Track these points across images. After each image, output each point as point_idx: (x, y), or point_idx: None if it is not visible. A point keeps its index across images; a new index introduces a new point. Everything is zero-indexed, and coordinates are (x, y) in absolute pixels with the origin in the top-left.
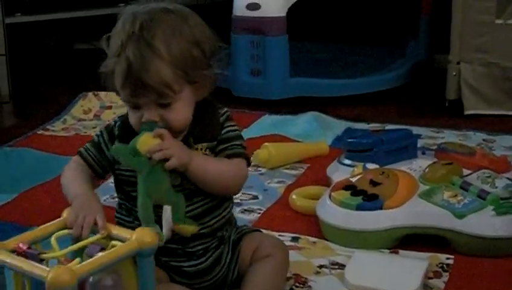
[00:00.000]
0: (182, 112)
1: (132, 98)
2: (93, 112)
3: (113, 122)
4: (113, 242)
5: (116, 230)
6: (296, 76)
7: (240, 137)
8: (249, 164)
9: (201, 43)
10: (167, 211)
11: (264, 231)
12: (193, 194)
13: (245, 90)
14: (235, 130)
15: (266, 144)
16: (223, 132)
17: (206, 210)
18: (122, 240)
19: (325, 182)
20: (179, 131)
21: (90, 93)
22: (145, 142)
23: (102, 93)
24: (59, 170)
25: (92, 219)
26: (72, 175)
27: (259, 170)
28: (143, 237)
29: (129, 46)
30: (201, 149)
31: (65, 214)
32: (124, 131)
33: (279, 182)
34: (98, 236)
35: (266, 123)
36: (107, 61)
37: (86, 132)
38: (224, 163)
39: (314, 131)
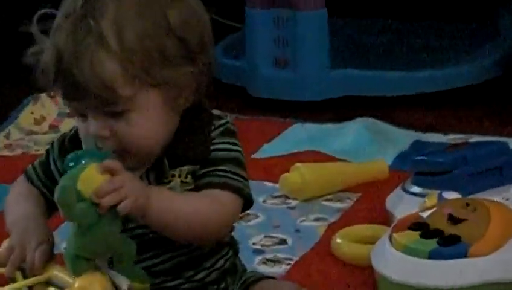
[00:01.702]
0: (141, 125)
1: (68, 101)
2: (49, 121)
3: (70, 131)
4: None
5: (61, 272)
6: (340, 68)
7: (234, 160)
8: (247, 203)
9: (181, 30)
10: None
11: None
12: (166, 240)
13: (266, 89)
14: (229, 150)
15: (298, 164)
16: (212, 149)
17: (188, 261)
18: (61, 288)
19: (384, 218)
20: (142, 154)
21: (43, 95)
22: (90, 179)
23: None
24: (1, 203)
25: (31, 252)
26: (15, 198)
27: (288, 202)
28: (90, 285)
29: (62, 28)
30: (179, 176)
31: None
32: (75, 143)
33: (317, 219)
34: (33, 279)
35: (298, 135)
36: (34, 47)
37: (38, 150)
38: (198, 200)
39: (367, 146)
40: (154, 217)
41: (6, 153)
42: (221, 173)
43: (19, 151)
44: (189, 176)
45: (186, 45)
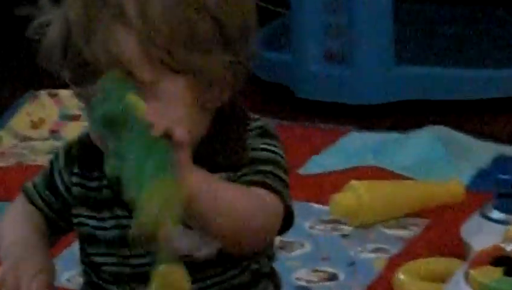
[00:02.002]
0: (167, 116)
1: (76, 86)
2: (49, 124)
3: (76, 138)
4: None
5: None
6: (407, 64)
7: (275, 163)
8: (287, 220)
9: (217, 9)
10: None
11: None
12: (207, 264)
13: (315, 89)
14: (269, 150)
15: (353, 182)
16: (251, 149)
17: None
18: None
19: (458, 250)
20: None
21: (42, 93)
22: (139, 104)
23: (63, 93)
24: None
25: (26, 284)
26: (10, 221)
27: (341, 229)
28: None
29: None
30: None
31: None
32: (85, 150)
33: (375, 250)
34: None
35: (353, 146)
36: (40, 18)
37: (35, 159)
38: (246, 191)
39: (439, 161)
40: (199, 195)
41: None
42: (261, 173)
43: (12, 161)
44: None
45: (223, 28)
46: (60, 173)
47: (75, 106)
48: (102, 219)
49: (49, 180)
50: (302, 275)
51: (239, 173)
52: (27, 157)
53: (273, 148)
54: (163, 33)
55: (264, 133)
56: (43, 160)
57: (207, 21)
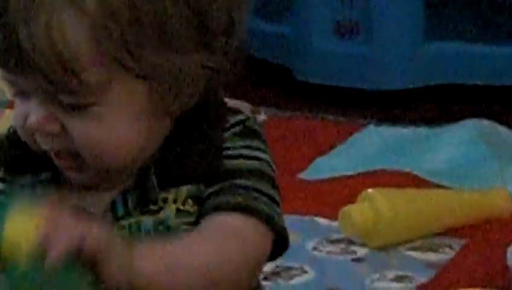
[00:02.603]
0: (109, 126)
1: (7, 73)
2: None
3: (2, 134)
4: None
5: None
6: (440, 40)
7: (256, 173)
8: (280, 242)
9: (196, 3)
10: None
11: None
12: None
13: (323, 70)
14: (248, 156)
15: (369, 191)
16: (224, 156)
17: None
18: None
19: (502, 279)
20: (106, 166)
21: None
22: (20, 231)
23: None
24: None
25: None
26: None
27: (353, 251)
28: None
29: None
30: (174, 201)
31: None
32: (12, 145)
33: (397, 278)
34: None
35: (369, 144)
36: None
37: None
38: (206, 242)
39: (479, 164)
40: (145, 281)
41: None
42: (236, 191)
43: None
44: (189, 201)
45: (202, 23)
46: None
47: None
48: None
49: None
50: None
51: (211, 190)
52: None
53: (255, 153)
54: (124, 25)
55: (243, 131)
56: None
57: (183, 14)
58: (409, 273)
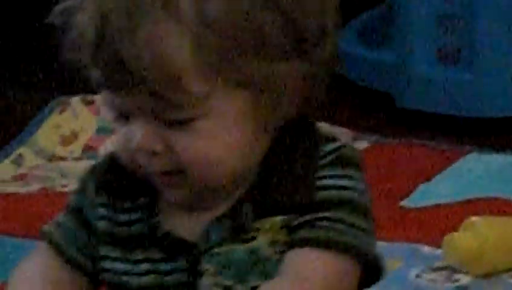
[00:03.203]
0: (214, 138)
1: (110, 93)
2: (83, 139)
3: (104, 158)
4: None
5: None
6: None
7: (348, 204)
8: (373, 272)
9: (292, 7)
10: None
11: None
12: None
13: (424, 97)
14: (341, 187)
15: (473, 219)
16: (318, 186)
17: None
18: None
19: None
20: (209, 182)
21: (75, 100)
22: None
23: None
24: (9, 270)
25: None
26: (23, 275)
27: (457, 279)
28: None
29: None
30: (267, 230)
31: None
32: (115, 174)
33: None
34: None
35: (474, 172)
36: (64, 2)
37: (65, 184)
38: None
39: None
40: None
41: (15, 188)
42: (323, 224)
43: (35, 187)
44: (283, 231)
45: (298, 31)
46: (91, 205)
47: None
48: (135, 262)
49: (78, 214)
50: None
51: (298, 221)
52: (55, 181)
53: (347, 183)
54: (223, 34)
55: (338, 159)
56: (75, 185)
57: (279, 22)
58: None
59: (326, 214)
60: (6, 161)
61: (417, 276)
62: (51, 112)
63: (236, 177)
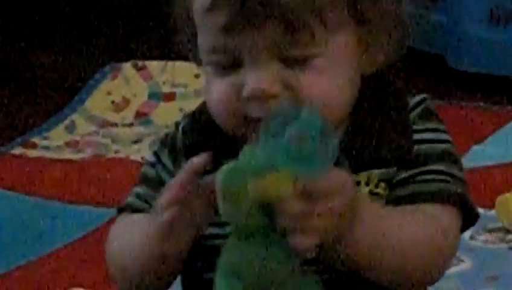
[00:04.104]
0: (333, 76)
1: (229, 34)
2: (135, 106)
3: (173, 129)
4: None
5: None
6: None
7: (446, 155)
8: (472, 219)
9: None
10: None
11: None
12: (343, 285)
13: (477, 59)
14: (436, 140)
15: None
16: (414, 140)
17: None
18: None
19: None
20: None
21: (127, 65)
22: (278, 185)
23: (154, 65)
24: (63, 236)
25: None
26: (125, 228)
27: (510, 239)
28: None
29: None
30: (366, 184)
31: None
32: (200, 133)
33: None
34: None
35: None
36: None
37: (118, 150)
38: (417, 220)
39: None
40: (357, 243)
41: (68, 154)
42: (432, 177)
43: (88, 152)
44: (382, 184)
45: None
46: (168, 172)
47: (169, 81)
48: (223, 225)
49: (155, 184)
50: None
51: (404, 175)
52: (108, 148)
53: (440, 136)
54: None
55: (426, 113)
56: (128, 151)
57: None
58: None
59: (430, 167)
60: (59, 128)
61: (471, 237)
62: (102, 78)
63: (343, 117)
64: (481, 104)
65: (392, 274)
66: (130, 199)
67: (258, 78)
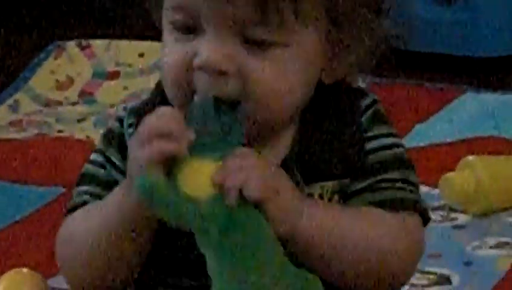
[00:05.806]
0: (290, 70)
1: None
2: (79, 84)
3: (116, 122)
4: None
5: None
6: None
7: (400, 162)
8: (425, 221)
9: None
10: None
11: None
12: None
13: (421, 37)
14: (389, 146)
15: (470, 158)
16: (367, 149)
17: None
18: None
19: None
20: (273, 115)
21: (71, 44)
22: (204, 170)
23: (98, 44)
24: (5, 217)
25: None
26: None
27: (454, 218)
28: None
29: None
30: (320, 196)
31: None
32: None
33: (498, 245)
34: None
35: (469, 111)
36: None
37: (62, 130)
38: (370, 221)
39: None
40: (307, 237)
41: (12, 134)
42: (389, 185)
43: (32, 131)
44: (335, 196)
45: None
46: (118, 170)
47: (113, 60)
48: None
49: (111, 188)
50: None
51: (358, 186)
52: (52, 127)
53: (393, 140)
54: None
55: (378, 117)
56: (72, 130)
57: None
58: (510, 240)
59: (385, 176)
60: (3, 107)
61: None
62: (46, 57)
63: (289, 117)
64: (425, 83)
65: (347, 274)
66: (79, 199)
67: (214, 49)
